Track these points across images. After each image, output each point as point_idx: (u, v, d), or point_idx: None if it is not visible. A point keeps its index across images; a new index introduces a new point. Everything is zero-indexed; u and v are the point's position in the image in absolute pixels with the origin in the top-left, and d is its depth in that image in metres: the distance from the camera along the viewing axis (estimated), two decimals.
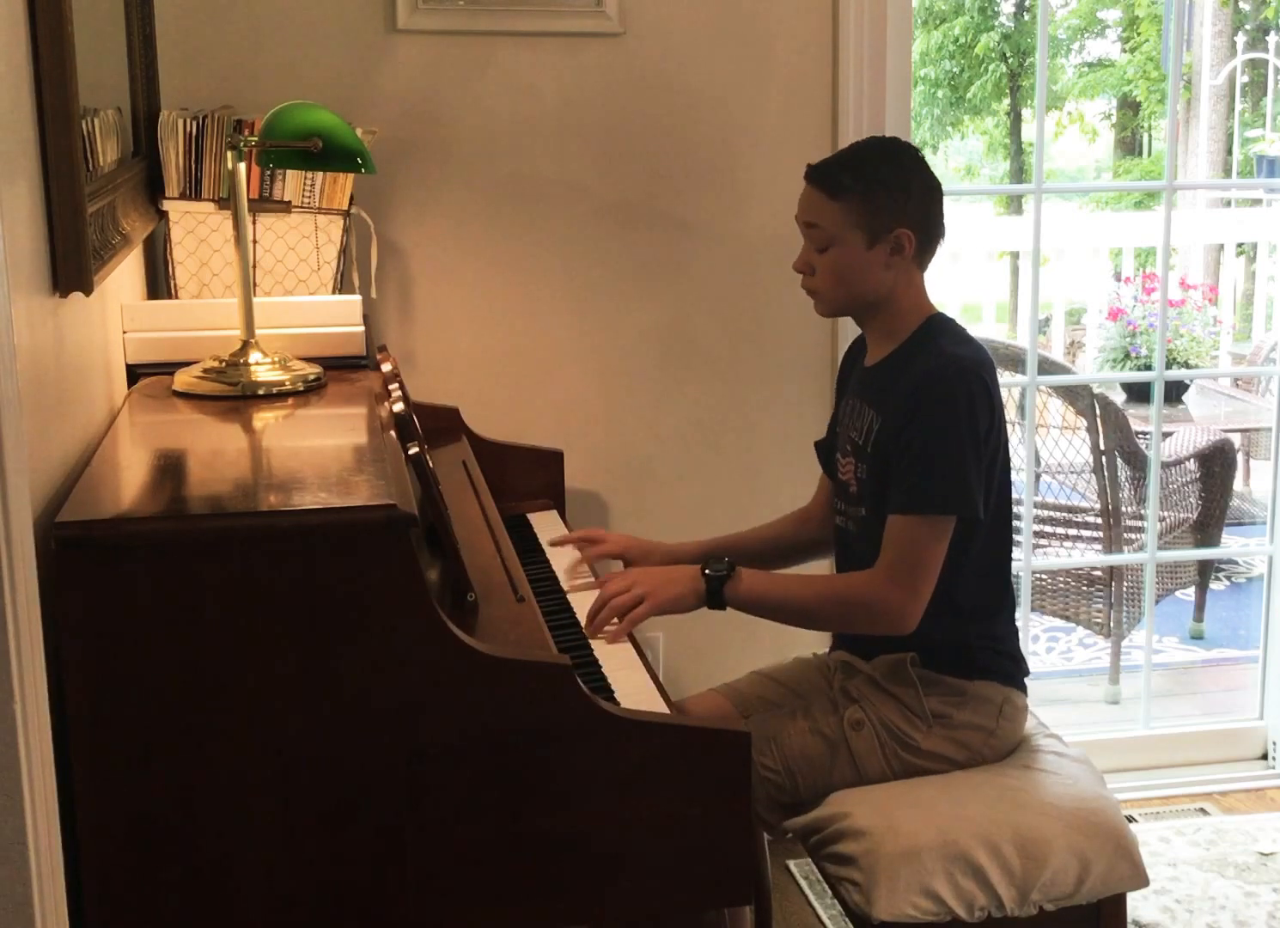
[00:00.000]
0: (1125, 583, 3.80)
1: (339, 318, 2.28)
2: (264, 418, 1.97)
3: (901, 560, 1.94)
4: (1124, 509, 3.94)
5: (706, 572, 1.99)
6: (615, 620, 1.96)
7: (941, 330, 2.05)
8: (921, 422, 1.95)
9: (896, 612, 1.94)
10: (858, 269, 2.02)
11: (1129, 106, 15.01)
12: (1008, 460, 2.05)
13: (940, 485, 1.93)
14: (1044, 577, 3.87)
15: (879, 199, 2.00)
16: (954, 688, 2.03)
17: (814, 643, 2.44)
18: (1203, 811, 3.14)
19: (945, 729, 2.02)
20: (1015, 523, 3.75)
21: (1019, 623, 3.09)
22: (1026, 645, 3.36)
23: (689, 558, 2.20)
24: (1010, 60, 14.47)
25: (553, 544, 2.24)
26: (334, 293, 2.45)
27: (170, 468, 1.77)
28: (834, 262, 2.03)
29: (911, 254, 2.03)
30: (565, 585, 2.13)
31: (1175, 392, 5.32)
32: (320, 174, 2.40)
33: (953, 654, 2.03)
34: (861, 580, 1.99)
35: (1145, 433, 4.15)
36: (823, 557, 2.34)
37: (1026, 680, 2.12)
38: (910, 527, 1.94)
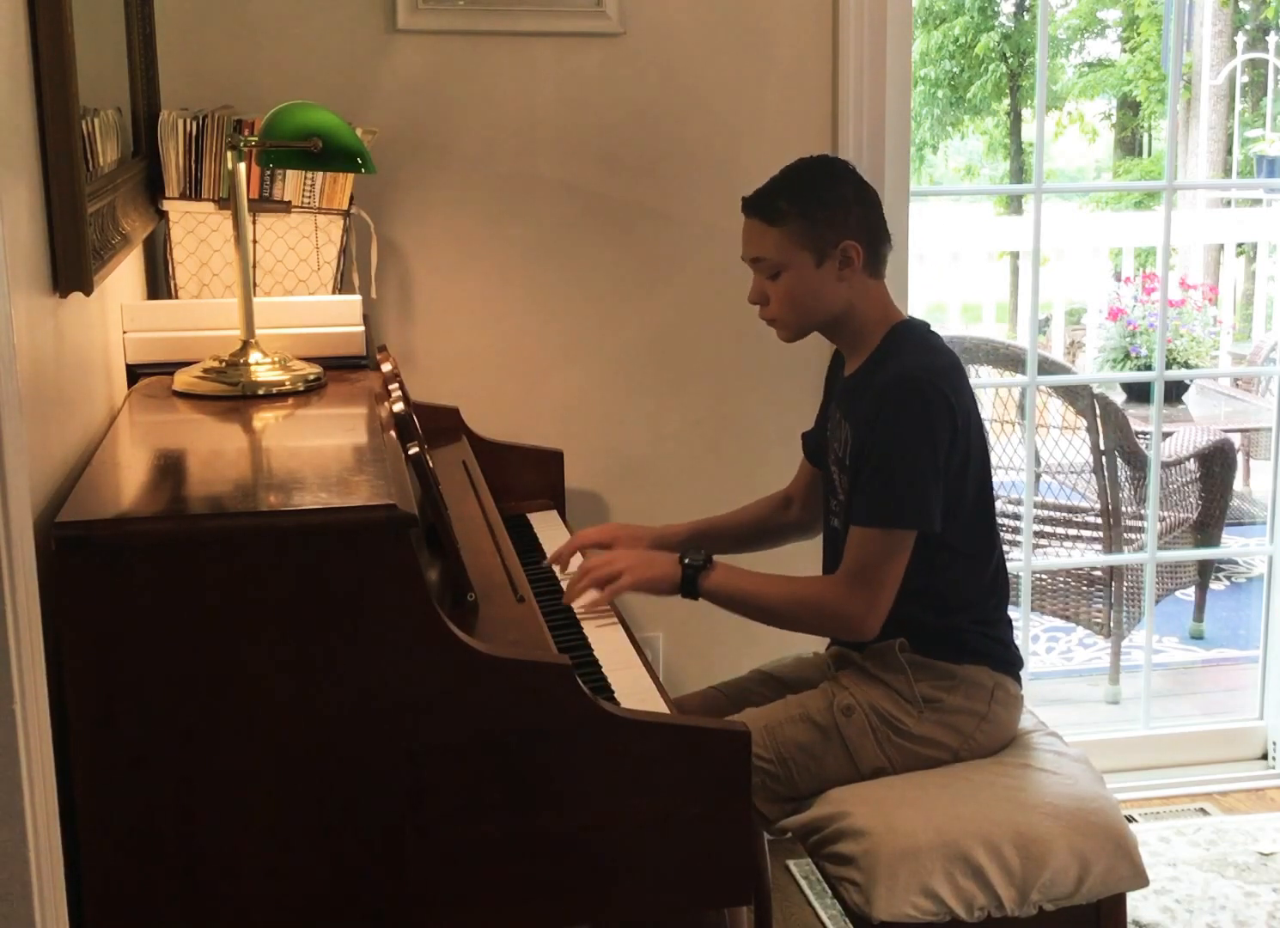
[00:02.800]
0: (1125, 583, 3.80)
1: (339, 318, 2.28)
2: (264, 418, 1.97)
3: (861, 572, 1.97)
4: (1124, 509, 3.94)
5: (685, 561, 2.03)
6: (593, 592, 2.02)
7: (904, 339, 2.06)
8: (879, 435, 1.97)
9: (854, 621, 1.98)
10: (812, 289, 2.03)
11: (1129, 106, 15.01)
12: (985, 459, 2.06)
13: (898, 500, 1.96)
14: (1044, 577, 3.87)
15: (818, 216, 2.01)
16: (944, 672, 2.04)
17: (814, 642, 2.44)
18: (1203, 811, 3.14)
19: (936, 714, 2.03)
20: (1015, 523, 3.77)
21: (1019, 623, 3.10)
22: (1026, 646, 3.37)
23: (676, 540, 2.25)
24: (1010, 60, 14.46)
25: (552, 562, 2.21)
26: (334, 293, 2.45)
27: (170, 468, 1.77)
28: (787, 287, 2.04)
29: (861, 265, 2.03)
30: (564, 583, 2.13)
31: (1175, 392, 5.32)
32: (320, 174, 2.40)
33: (942, 639, 2.04)
34: (824, 586, 2.03)
35: (1145, 433, 4.15)
36: (801, 539, 2.37)
37: (1024, 676, 2.13)
38: (870, 539, 1.97)
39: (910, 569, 2.00)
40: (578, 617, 2.03)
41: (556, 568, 2.20)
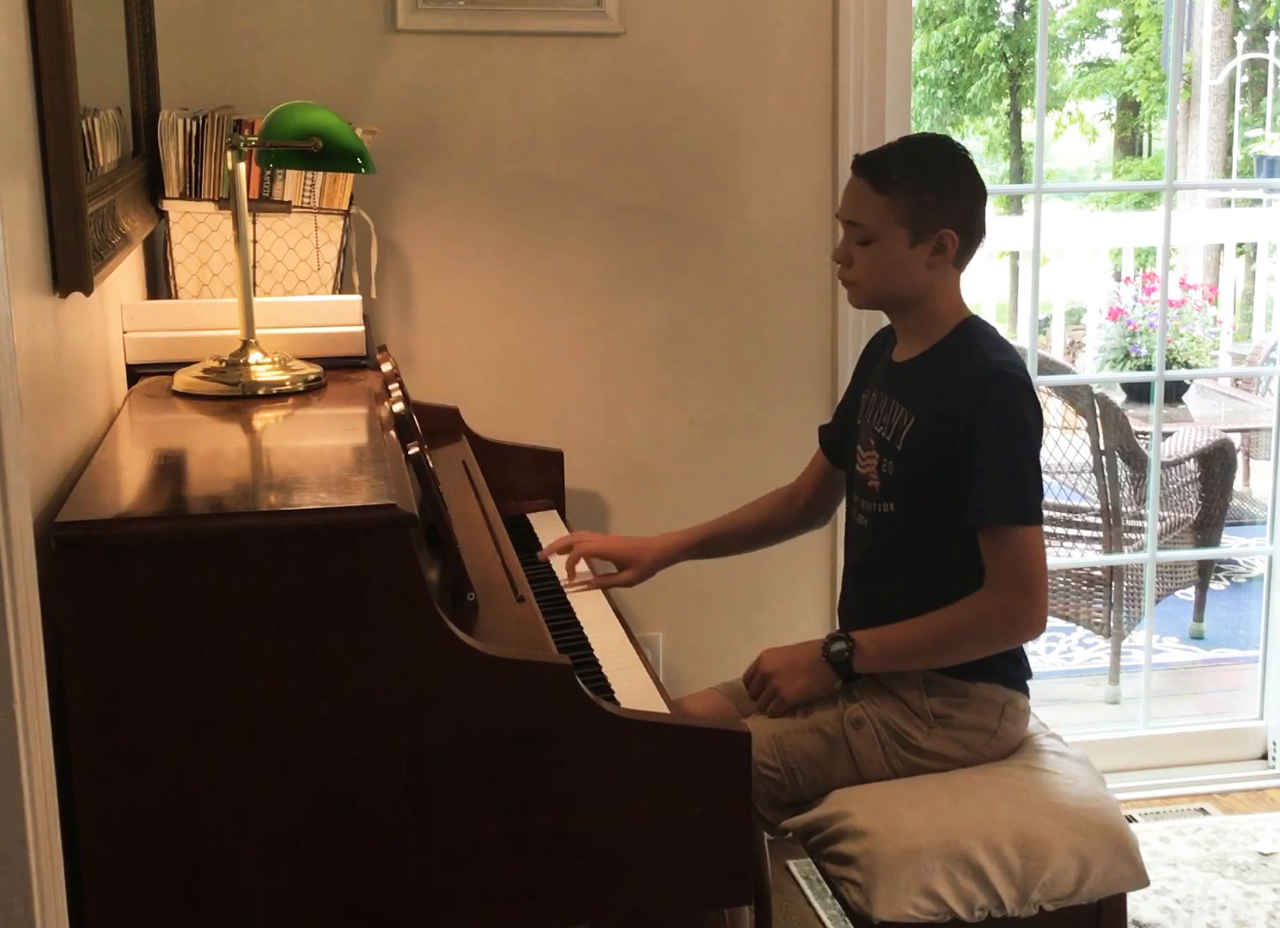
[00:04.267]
0: (1125, 583, 3.80)
1: (339, 318, 2.28)
2: (264, 418, 1.97)
3: (1016, 573, 1.93)
4: (1124, 509, 3.94)
5: (830, 656, 2.00)
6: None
7: (979, 335, 2.04)
8: (985, 433, 1.93)
9: (1022, 623, 1.95)
10: (898, 266, 2.00)
11: (1129, 106, 15.03)
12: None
13: (1023, 498, 1.94)
14: None
15: (928, 198, 1.97)
16: (956, 690, 2.02)
17: None
18: (1203, 811, 3.14)
19: (946, 730, 2.02)
20: None
21: None
22: (1026, 645, 3.36)
23: (680, 548, 2.26)
24: (1010, 60, 14.48)
25: (542, 557, 2.23)
26: (334, 293, 2.45)
27: (170, 468, 1.77)
28: (875, 256, 2.01)
29: (953, 256, 2.01)
30: (564, 584, 2.13)
31: (1175, 392, 5.32)
32: (320, 174, 2.40)
33: None
34: (983, 603, 1.96)
35: (1145, 433, 4.15)
36: (805, 532, 2.37)
37: (1028, 681, 2.12)
38: (1014, 538, 1.92)
39: (938, 573, 1.99)
40: (579, 619, 2.03)
41: (554, 562, 2.21)
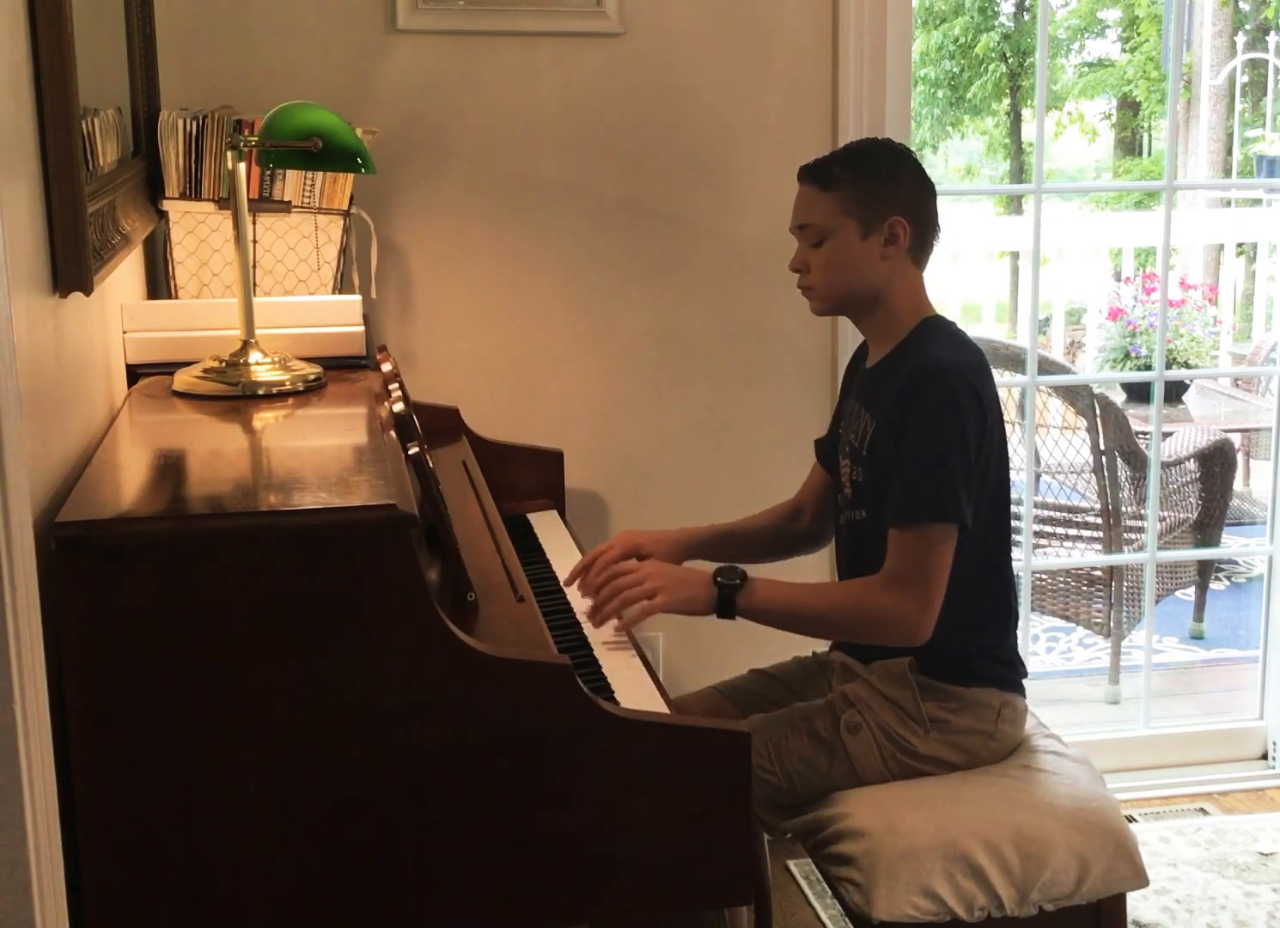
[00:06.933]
0: (1125, 583, 3.80)
1: (339, 318, 2.28)
2: (264, 418, 1.97)
3: (908, 572, 1.90)
4: (1124, 509, 3.94)
5: (719, 580, 1.94)
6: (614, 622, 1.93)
7: (933, 332, 2.02)
8: (910, 428, 1.92)
9: (910, 624, 1.90)
10: (853, 260, 2.00)
11: (1129, 106, 15.02)
12: (1005, 466, 2.02)
13: (935, 494, 1.90)
14: (1044, 577, 3.87)
15: (871, 186, 1.99)
16: (951, 695, 2.01)
17: (813, 642, 2.44)
18: (1203, 811, 3.14)
19: (943, 734, 2.01)
20: (1015, 523, 3.76)
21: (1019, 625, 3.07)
22: (1026, 646, 3.37)
23: (698, 542, 2.21)
24: (1010, 60, 14.48)
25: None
26: (334, 293, 2.45)
27: (170, 468, 1.77)
28: (829, 255, 2.01)
29: (906, 245, 2.01)
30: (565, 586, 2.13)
31: (1175, 392, 5.32)
32: (320, 174, 2.40)
33: (951, 662, 2.00)
34: (874, 590, 1.93)
35: (1145, 433, 4.15)
36: (810, 551, 2.33)
37: (1026, 682, 2.11)
38: (912, 538, 1.90)
39: None
40: (579, 619, 2.02)
41: (555, 561, 2.19)
